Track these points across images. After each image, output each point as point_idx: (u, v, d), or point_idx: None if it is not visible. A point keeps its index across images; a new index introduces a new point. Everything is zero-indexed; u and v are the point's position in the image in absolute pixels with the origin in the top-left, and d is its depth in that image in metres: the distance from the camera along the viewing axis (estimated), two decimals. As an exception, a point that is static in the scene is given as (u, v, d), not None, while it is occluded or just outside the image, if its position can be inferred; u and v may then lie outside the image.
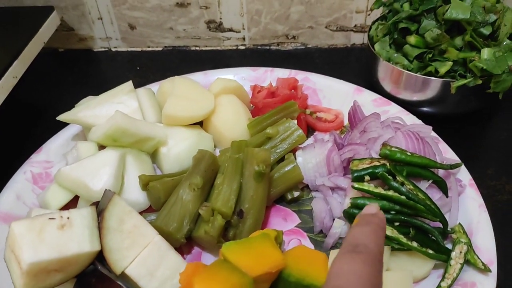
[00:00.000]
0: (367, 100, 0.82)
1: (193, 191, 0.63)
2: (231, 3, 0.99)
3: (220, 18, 1.01)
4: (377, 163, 0.62)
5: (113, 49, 1.09)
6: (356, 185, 0.61)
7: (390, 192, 0.59)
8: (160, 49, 1.08)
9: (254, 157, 0.64)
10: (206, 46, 1.07)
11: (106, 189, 0.60)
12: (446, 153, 0.70)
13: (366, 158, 0.63)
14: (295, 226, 0.67)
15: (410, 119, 0.76)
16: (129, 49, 1.08)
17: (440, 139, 0.72)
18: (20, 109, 0.93)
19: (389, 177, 0.60)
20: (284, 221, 0.68)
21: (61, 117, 0.75)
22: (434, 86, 0.76)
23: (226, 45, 1.07)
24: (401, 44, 0.79)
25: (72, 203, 0.68)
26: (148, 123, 0.75)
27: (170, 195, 0.65)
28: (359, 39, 1.04)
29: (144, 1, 0.99)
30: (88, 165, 0.67)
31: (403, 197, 0.59)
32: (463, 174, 0.67)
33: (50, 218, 0.54)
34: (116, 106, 0.76)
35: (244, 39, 1.05)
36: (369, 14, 0.99)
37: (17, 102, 0.91)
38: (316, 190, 0.71)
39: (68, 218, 0.55)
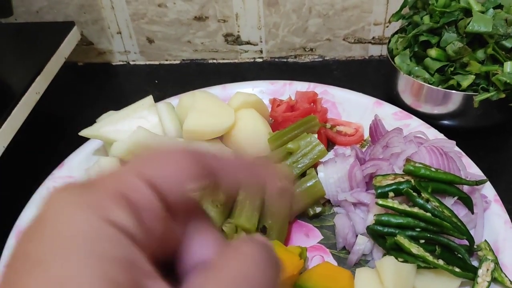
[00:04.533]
0: (388, 113, 0.81)
1: (216, 207, 0.63)
2: (249, 17, 0.99)
3: (238, 31, 1.02)
4: (401, 179, 0.62)
5: (132, 63, 1.10)
6: (380, 201, 0.60)
7: (415, 209, 0.59)
8: (178, 62, 1.08)
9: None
10: (224, 59, 1.08)
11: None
12: (470, 168, 0.69)
13: (389, 174, 0.63)
14: (318, 242, 0.67)
15: (432, 133, 0.75)
16: (147, 63, 1.09)
17: (463, 153, 0.71)
18: (41, 123, 0.93)
19: (414, 193, 0.59)
20: (306, 237, 0.68)
21: (83, 133, 0.75)
22: (456, 99, 0.75)
23: (243, 58, 1.07)
24: (422, 57, 0.79)
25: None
26: (169, 138, 0.75)
27: (192, 211, 0.65)
28: (377, 51, 1.03)
29: (162, 15, 1.00)
30: (111, 181, 0.67)
31: (428, 214, 0.58)
32: (488, 190, 0.66)
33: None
34: (137, 121, 0.76)
35: (261, 51, 1.05)
36: (387, 26, 0.99)
37: (39, 116, 0.92)
38: (338, 205, 0.70)
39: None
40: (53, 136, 0.91)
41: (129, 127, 0.75)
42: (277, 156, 0.73)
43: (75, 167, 0.77)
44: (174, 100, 0.86)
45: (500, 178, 0.73)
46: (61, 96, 1.01)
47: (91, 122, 0.79)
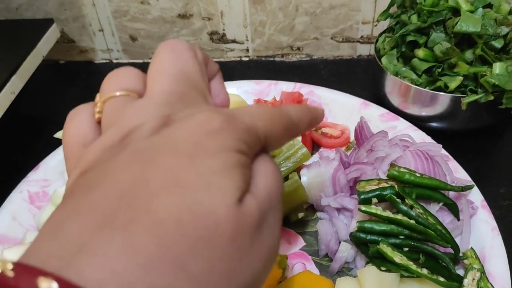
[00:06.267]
0: (374, 115, 0.79)
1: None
2: (234, 14, 0.96)
3: (223, 30, 0.99)
4: (385, 185, 0.60)
5: (115, 61, 1.07)
6: (363, 208, 0.58)
7: (399, 216, 0.57)
8: (162, 60, 1.06)
9: (257, 178, 0.62)
10: (209, 58, 1.05)
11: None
12: (457, 172, 0.67)
13: (373, 179, 0.61)
14: (300, 249, 0.65)
15: (419, 135, 0.73)
16: (131, 61, 1.06)
17: (450, 157, 0.69)
18: (19, 123, 0.91)
19: (398, 200, 0.57)
20: (288, 243, 0.66)
21: (58, 135, 0.73)
22: (443, 101, 0.73)
23: (229, 56, 1.05)
24: (409, 57, 0.77)
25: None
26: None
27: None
28: (365, 50, 1.01)
29: (145, 13, 0.97)
30: (85, 186, 0.64)
31: (412, 221, 0.56)
32: (475, 195, 0.64)
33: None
34: (115, 123, 0.74)
35: (247, 50, 1.03)
36: (376, 25, 0.97)
37: (16, 116, 0.90)
38: (321, 210, 0.68)
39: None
40: (31, 137, 0.88)
41: (106, 129, 0.72)
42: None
43: (51, 169, 0.74)
44: (155, 101, 0.84)
45: (488, 182, 0.72)
46: (41, 95, 0.98)
47: (70, 122, 0.77)
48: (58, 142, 0.76)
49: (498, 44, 0.71)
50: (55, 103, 0.97)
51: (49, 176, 0.73)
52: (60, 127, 0.74)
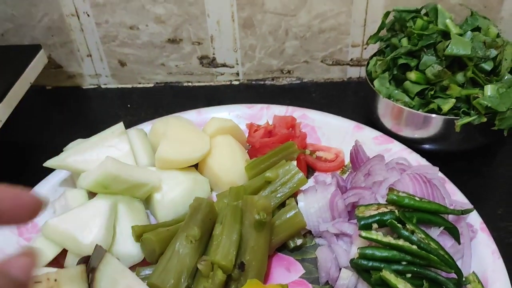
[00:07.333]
0: (368, 137, 0.79)
1: (190, 243, 0.59)
2: (224, 39, 0.96)
3: (213, 54, 0.99)
4: (385, 209, 0.59)
5: (103, 86, 1.05)
6: (363, 233, 0.57)
7: (401, 242, 0.56)
8: (151, 85, 1.05)
9: (254, 206, 0.60)
10: (199, 82, 1.05)
11: (97, 245, 0.56)
12: (454, 195, 0.67)
13: (372, 204, 0.60)
14: (300, 277, 0.63)
15: (414, 158, 0.73)
16: (120, 86, 1.05)
17: (446, 179, 0.69)
18: (5, 151, 0.88)
19: (399, 225, 0.57)
20: (288, 271, 0.64)
21: (48, 163, 0.71)
22: (437, 123, 0.74)
23: (219, 80, 1.04)
24: (401, 80, 0.77)
25: (61, 256, 0.64)
26: (141, 168, 0.71)
27: (165, 247, 0.61)
28: (355, 72, 1.02)
29: (134, 38, 0.97)
30: (77, 216, 0.62)
31: (414, 246, 0.55)
32: (474, 218, 0.64)
33: (36, 282, 0.50)
34: (106, 150, 0.72)
35: (238, 74, 1.03)
36: (365, 48, 0.97)
37: (2, 144, 0.87)
38: (319, 236, 0.67)
39: (55, 280, 0.51)
40: (19, 165, 0.85)
41: (98, 157, 0.71)
42: (255, 185, 0.70)
43: (39, 200, 0.72)
44: (147, 126, 0.83)
45: (484, 203, 0.72)
46: (28, 122, 0.96)
47: (60, 149, 0.75)
48: (46, 171, 0.74)
49: (488, 66, 0.72)
50: (42, 130, 0.95)
51: (38, 207, 0.71)
52: (47, 155, 0.72)
